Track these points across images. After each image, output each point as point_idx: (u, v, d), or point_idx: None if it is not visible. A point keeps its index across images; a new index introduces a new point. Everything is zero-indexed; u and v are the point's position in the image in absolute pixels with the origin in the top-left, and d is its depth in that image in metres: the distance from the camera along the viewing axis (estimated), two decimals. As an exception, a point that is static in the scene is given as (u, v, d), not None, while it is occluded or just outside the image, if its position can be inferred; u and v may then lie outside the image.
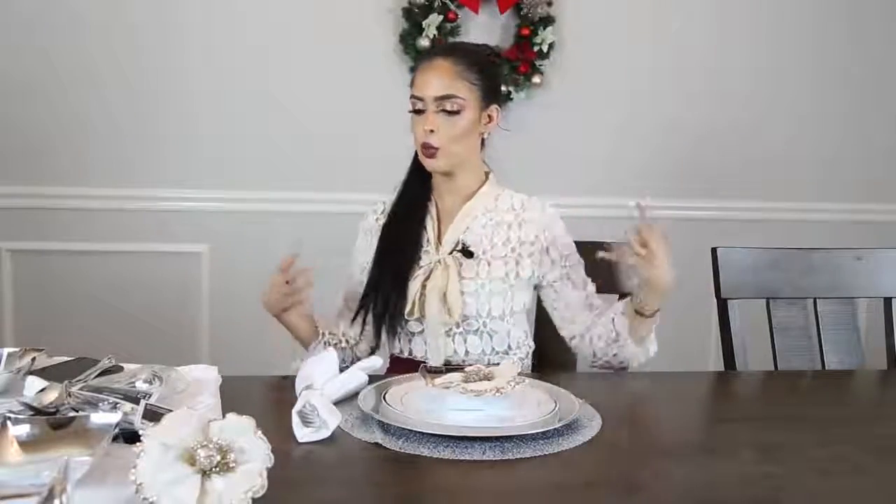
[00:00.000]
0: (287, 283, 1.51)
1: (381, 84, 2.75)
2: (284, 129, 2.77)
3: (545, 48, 2.77)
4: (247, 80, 2.74)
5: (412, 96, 1.59)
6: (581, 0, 2.84)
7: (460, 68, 1.57)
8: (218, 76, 2.73)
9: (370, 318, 1.63)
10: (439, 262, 1.60)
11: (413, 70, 1.72)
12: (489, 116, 1.62)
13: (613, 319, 1.59)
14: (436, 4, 2.69)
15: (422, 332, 1.61)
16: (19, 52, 2.64)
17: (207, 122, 2.74)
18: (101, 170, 2.71)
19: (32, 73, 2.66)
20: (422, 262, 1.62)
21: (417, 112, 1.58)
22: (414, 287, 1.60)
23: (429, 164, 1.59)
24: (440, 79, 1.56)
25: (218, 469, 0.86)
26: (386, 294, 1.61)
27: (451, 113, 1.56)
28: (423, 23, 2.69)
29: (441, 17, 2.69)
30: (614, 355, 1.60)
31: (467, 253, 1.60)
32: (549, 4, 2.77)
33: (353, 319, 1.65)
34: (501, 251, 1.62)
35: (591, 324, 1.64)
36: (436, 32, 2.69)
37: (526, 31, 2.76)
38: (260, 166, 2.77)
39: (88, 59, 2.67)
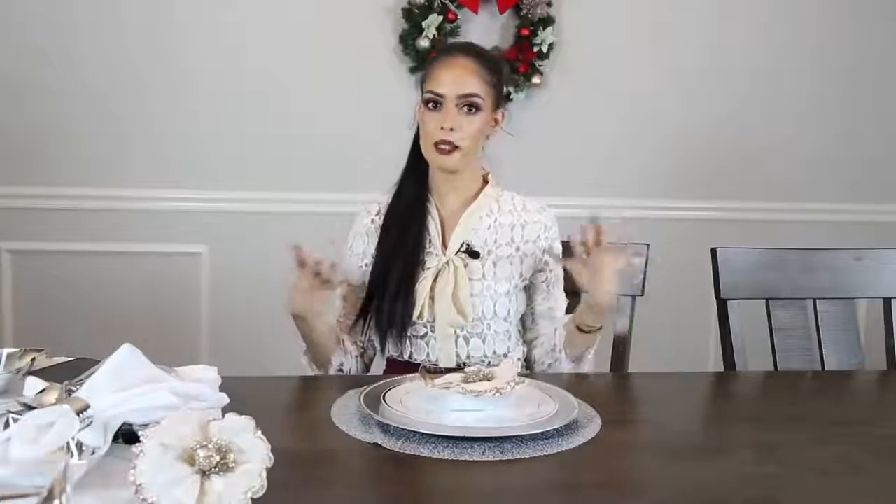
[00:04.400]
0: (317, 275, 1.40)
1: (381, 84, 2.75)
2: (284, 130, 2.77)
3: (545, 49, 2.77)
4: (247, 80, 2.74)
5: (431, 91, 1.54)
6: (581, 0, 2.84)
7: (482, 69, 1.55)
8: (218, 76, 2.73)
9: (372, 323, 1.60)
10: (447, 263, 1.57)
11: (422, 67, 1.69)
12: (495, 120, 1.61)
13: (556, 329, 1.62)
14: (436, 5, 2.69)
15: (425, 335, 1.59)
16: (19, 52, 2.64)
17: (207, 122, 2.74)
18: (102, 170, 2.71)
19: (32, 73, 2.66)
20: (427, 265, 1.58)
21: (431, 108, 1.55)
22: (422, 290, 1.56)
23: (441, 160, 1.55)
24: (465, 77, 1.54)
25: (217, 469, 0.86)
26: (393, 298, 1.56)
27: (469, 112, 1.54)
28: (423, 23, 2.69)
29: (441, 18, 2.69)
30: (549, 366, 1.62)
31: (473, 253, 1.58)
32: (549, 5, 2.77)
33: (356, 324, 1.62)
34: (506, 252, 1.62)
35: (544, 333, 1.67)
36: (435, 33, 2.69)
37: (525, 32, 2.76)
38: (260, 166, 2.77)
39: (88, 59, 2.67)
